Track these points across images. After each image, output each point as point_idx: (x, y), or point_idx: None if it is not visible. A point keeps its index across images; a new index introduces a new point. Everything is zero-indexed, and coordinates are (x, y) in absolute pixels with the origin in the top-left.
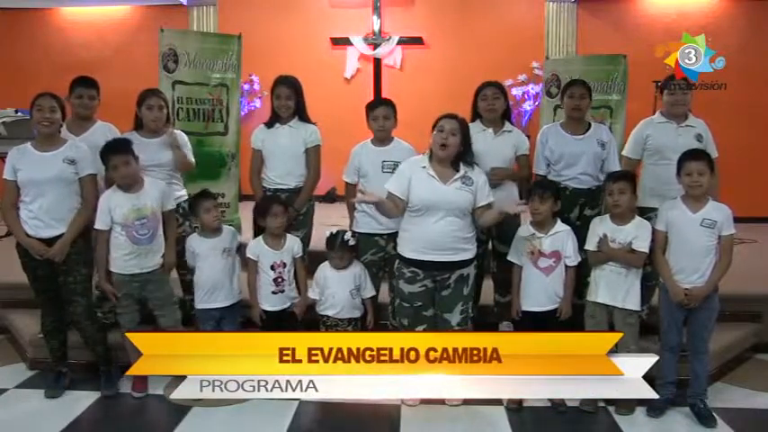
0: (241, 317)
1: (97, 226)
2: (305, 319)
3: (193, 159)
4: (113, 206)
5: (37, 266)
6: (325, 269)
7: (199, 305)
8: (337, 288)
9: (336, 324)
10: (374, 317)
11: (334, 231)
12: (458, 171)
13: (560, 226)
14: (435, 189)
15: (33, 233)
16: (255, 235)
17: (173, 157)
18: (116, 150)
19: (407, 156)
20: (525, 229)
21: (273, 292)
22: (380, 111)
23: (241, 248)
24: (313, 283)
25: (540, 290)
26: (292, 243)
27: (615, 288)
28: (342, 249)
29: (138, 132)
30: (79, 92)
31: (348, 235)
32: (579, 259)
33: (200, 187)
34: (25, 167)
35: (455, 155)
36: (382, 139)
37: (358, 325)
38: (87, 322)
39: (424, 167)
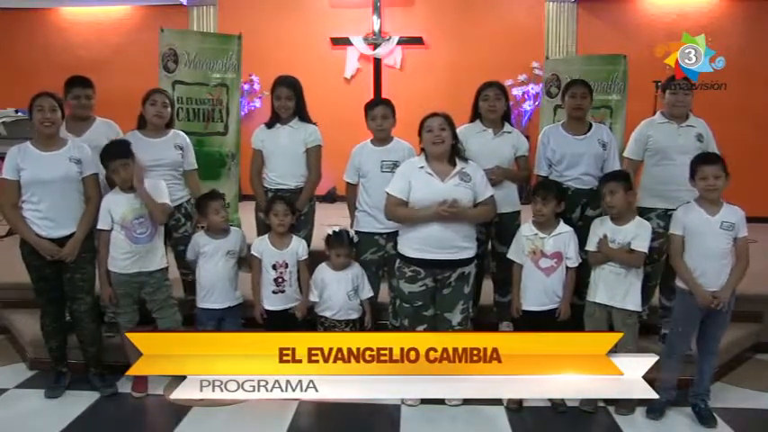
0: (243, 318)
1: (99, 226)
2: (306, 319)
3: (195, 163)
4: (113, 207)
5: (44, 266)
6: (323, 271)
7: (199, 304)
8: (335, 289)
9: (334, 325)
10: (373, 318)
11: (337, 230)
12: (454, 166)
13: (563, 227)
14: (434, 187)
15: (44, 234)
16: (260, 233)
17: (175, 156)
18: (115, 155)
19: (407, 155)
20: (527, 228)
21: (274, 292)
22: (379, 110)
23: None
24: (311, 284)
25: (540, 290)
26: (297, 245)
27: (614, 288)
28: (349, 246)
29: (141, 131)
30: (76, 92)
31: (352, 232)
32: (580, 260)
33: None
34: (30, 167)
35: (450, 148)
36: (382, 138)
37: (356, 326)
38: (89, 320)
39: (422, 167)
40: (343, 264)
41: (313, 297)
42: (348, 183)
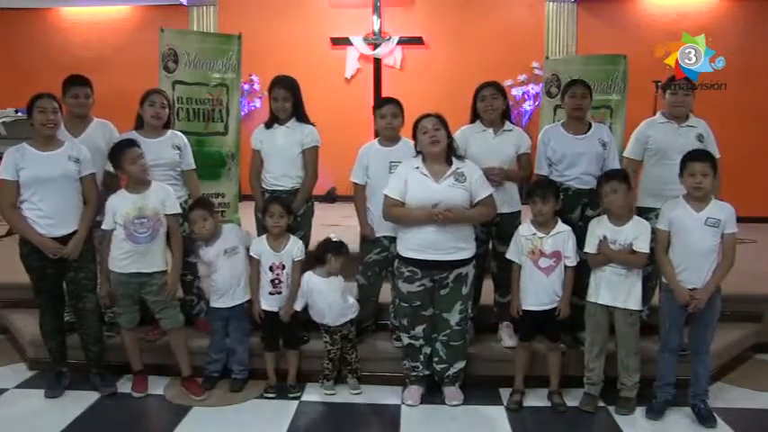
0: (250, 319)
1: (104, 226)
2: (301, 321)
3: (193, 162)
4: (117, 206)
5: (45, 266)
6: (311, 279)
7: (212, 304)
8: (330, 296)
9: (339, 329)
10: (374, 318)
11: (336, 239)
12: (450, 166)
13: (561, 226)
14: (428, 188)
15: (46, 232)
16: (259, 234)
17: (173, 157)
18: (131, 144)
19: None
20: (526, 228)
21: (271, 293)
22: (388, 109)
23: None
24: (299, 292)
25: (540, 289)
26: (293, 246)
27: (616, 289)
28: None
29: (139, 132)
30: (75, 91)
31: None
32: (579, 259)
33: (201, 187)
34: (30, 166)
35: (447, 147)
36: (390, 137)
37: (353, 323)
38: (94, 318)
39: (418, 168)
40: (338, 269)
41: (299, 306)
42: (356, 183)
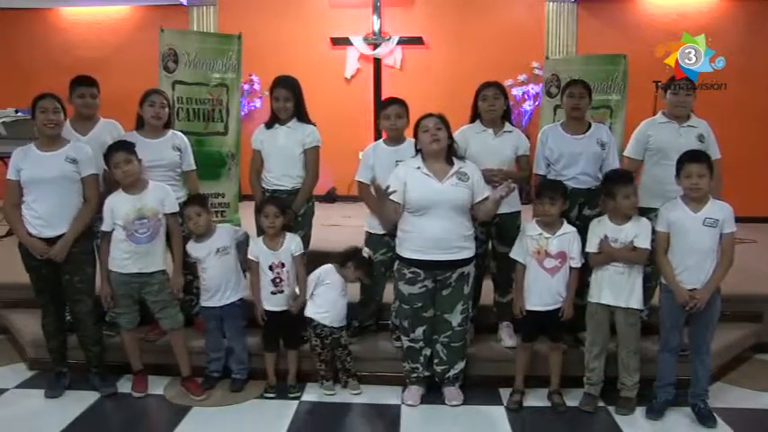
0: (245, 319)
1: (103, 228)
2: (302, 319)
3: (194, 163)
4: (115, 207)
5: (41, 266)
6: (331, 270)
7: (202, 303)
8: (337, 291)
9: (332, 332)
10: (375, 318)
11: (366, 254)
12: (452, 166)
13: (567, 227)
14: (432, 188)
15: (36, 233)
16: (259, 233)
17: (173, 157)
18: (118, 148)
19: None
20: (532, 228)
21: (273, 293)
22: (392, 109)
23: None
24: (311, 283)
25: (544, 289)
26: (290, 242)
27: (619, 288)
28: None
29: (139, 132)
30: (81, 91)
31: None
32: (583, 260)
33: (200, 187)
34: (28, 167)
35: (446, 148)
36: (395, 138)
37: (345, 329)
38: (91, 321)
39: (419, 168)
40: (350, 279)
41: (309, 294)
42: (361, 182)
